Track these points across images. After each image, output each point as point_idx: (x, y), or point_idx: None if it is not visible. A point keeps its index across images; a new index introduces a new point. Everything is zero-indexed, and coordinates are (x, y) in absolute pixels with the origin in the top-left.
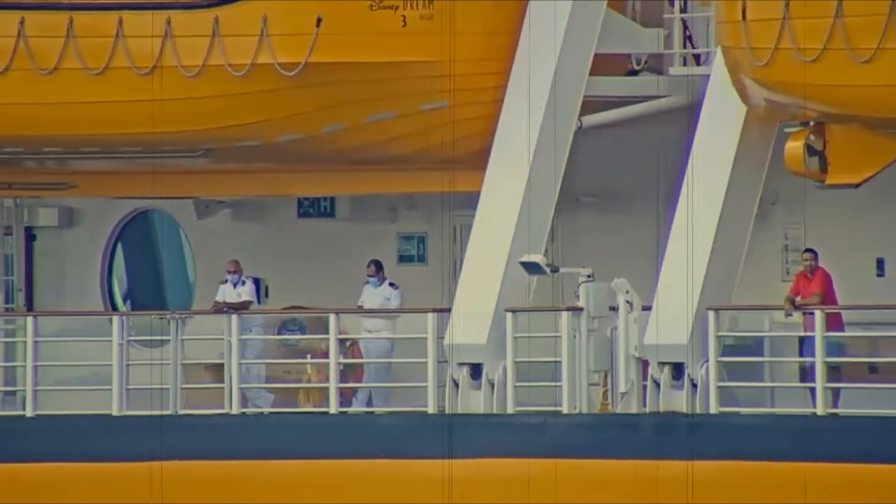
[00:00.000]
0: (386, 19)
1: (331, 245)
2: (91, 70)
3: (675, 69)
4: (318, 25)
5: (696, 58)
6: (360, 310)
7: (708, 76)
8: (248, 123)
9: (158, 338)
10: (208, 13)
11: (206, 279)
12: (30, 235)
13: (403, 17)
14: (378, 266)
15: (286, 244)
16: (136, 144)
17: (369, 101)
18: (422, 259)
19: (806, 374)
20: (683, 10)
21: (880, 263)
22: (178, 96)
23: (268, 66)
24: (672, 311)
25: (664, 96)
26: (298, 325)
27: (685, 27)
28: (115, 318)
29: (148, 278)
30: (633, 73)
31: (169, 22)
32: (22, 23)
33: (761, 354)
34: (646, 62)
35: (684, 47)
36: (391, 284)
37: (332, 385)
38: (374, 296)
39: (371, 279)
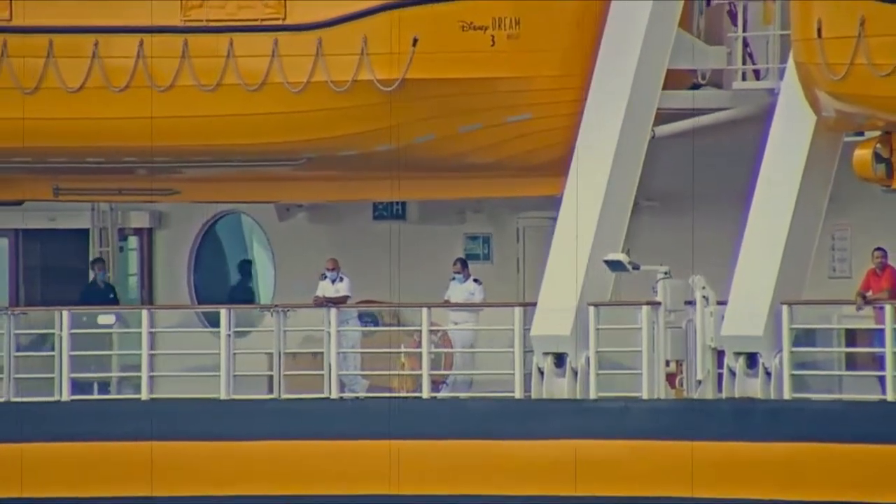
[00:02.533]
0: (476, 39)
1: (402, 245)
2: (204, 87)
3: (739, 83)
4: (414, 45)
5: (756, 73)
6: (449, 304)
7: (769, 90)
8: (348, 135)
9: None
10: (312, 34)
11: (286, 276)
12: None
13: (492, 37)
14: (464, 264)
15: (361, 244)
16: (242, 154)
17: (460, 114)
18: (487, 257)
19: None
20: (744, 29)
21: None
22: (285, 110)
23: (367, 83)
24: (747, 305)
25: (727, 108)
26: (371, 316)
27: (745, 45)
28: (224, 311)
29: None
30: (696, 86)
31: (276, 42)
32: (141, 44)
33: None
34: (706, 78)
35: (744, 63)
36: (475, 280)
37: (425, 372)
38: (460, 291)
39: (457, 276)
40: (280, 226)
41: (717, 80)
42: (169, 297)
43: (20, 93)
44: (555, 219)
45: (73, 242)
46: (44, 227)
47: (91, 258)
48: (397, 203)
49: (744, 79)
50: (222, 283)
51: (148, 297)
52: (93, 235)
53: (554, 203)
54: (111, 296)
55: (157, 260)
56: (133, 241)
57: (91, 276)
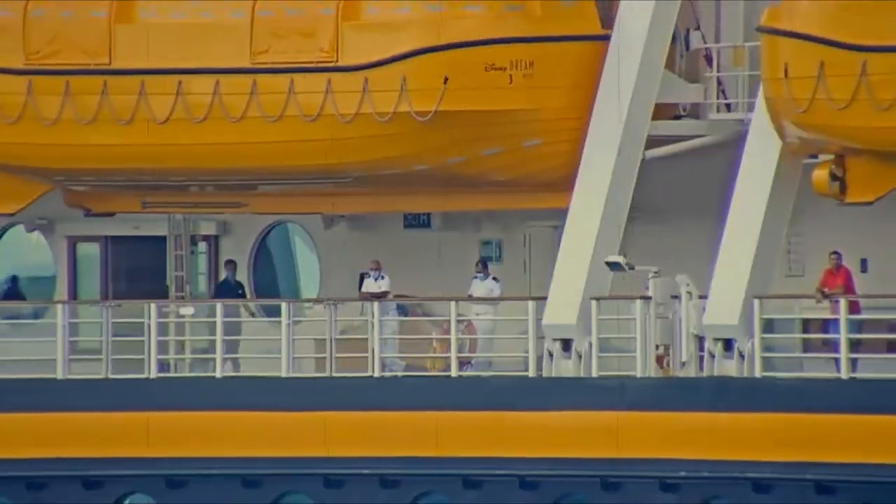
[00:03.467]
0: (497, 78)
1: (427, 249)
2: (269, 118)
3: (714, 115)
4: (445, 83)
5: (728, 106)
6: (471, 298)
7: (739, 120)
8: (390, 157)
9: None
10: (360, 74)
11: (329, 276)
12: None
13: (510, 76)
14: (485, 265)
15: (393, 249)
16: (301, 174)
17: (483, 140)
18: (498, 259)
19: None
20: (718, 69)
21: (863, 263)
22: (336, 137)
23: (406, 114)
24: (725, 299)
25: (704, 136)
26: (403, 309)
27: (719, 83)
28: (284, 304)
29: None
30: (678, 117)
31: (329, 81)
32: (217, 83)
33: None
34: (686, 110)
35: (718, 98)
36: (494, 279)
37: (454, 355)
38: (481, 287)
39: (479, 275)
40: (325, 233)
41: (695, 112)
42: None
43: (117, 124)
44: (556, 227)
45: (152, 247)
46: (129, 234)
47: (224, 259)
48: (423, 214)
49: (717, 111)
50: (274, 280)
51: (214, 293)
52: (169, 241)
53: (556, 213)
54: (239, 292)
55: (222, 262)
56: (202, 246)
57: (224, 274)
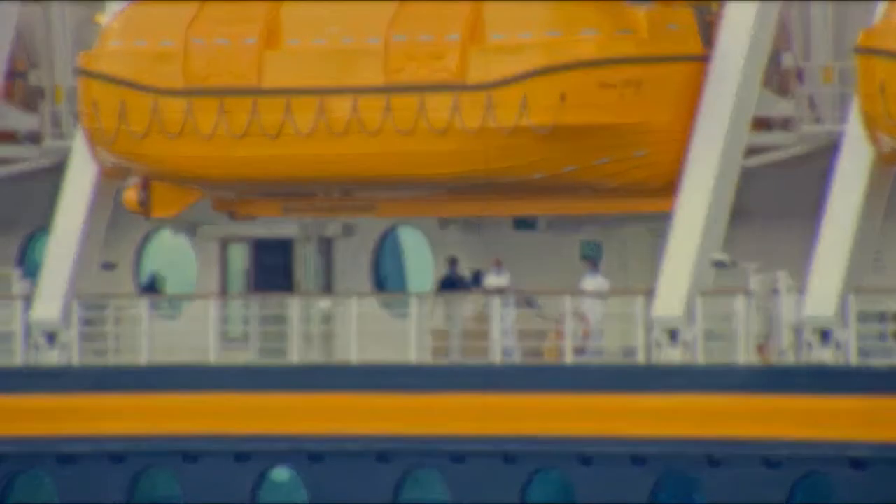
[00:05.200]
0: (608, 94)
1: (534, 248)
2: (402, 131)
3: (807, 127)
4: (562, 100)
5: (817, 119)
6: (585, 292)
7: (829, 131)
8: (512, 165)
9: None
10: (485, 91)
11: (440, 272)
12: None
13: (621, 93)
14: (595, 263)
15: (502, 248)
16: (433, 182)
17: (595, 150)
18: (599, 258)
19: None
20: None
21: None
22: (463, 149)
23: (526, 127)
24: (822, 293)
25: (797, 146)
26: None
27: (810, 98)
28: (413, 298)
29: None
30: (770, 129)
31: (457, 97)
32: (355, 100)
33: None
34: (780, 122)
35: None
36: (602, 276)
37: (569, 344)
38: (592, 283)
39: (590, 271)
40: (440, 234)
41: (786, 125)
42: (356, 288)
43: (267, 138)
44: (651, 229)
45: (282, 247)
46: (265, 236)
47: (448, 256)
48: (531, 216)
49: (807, 123)
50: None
51: (439, 287)
52: (301, 242)
53: (652, 217)
54: (466, 283)
55: (347, 260)
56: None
57: (447, 270)
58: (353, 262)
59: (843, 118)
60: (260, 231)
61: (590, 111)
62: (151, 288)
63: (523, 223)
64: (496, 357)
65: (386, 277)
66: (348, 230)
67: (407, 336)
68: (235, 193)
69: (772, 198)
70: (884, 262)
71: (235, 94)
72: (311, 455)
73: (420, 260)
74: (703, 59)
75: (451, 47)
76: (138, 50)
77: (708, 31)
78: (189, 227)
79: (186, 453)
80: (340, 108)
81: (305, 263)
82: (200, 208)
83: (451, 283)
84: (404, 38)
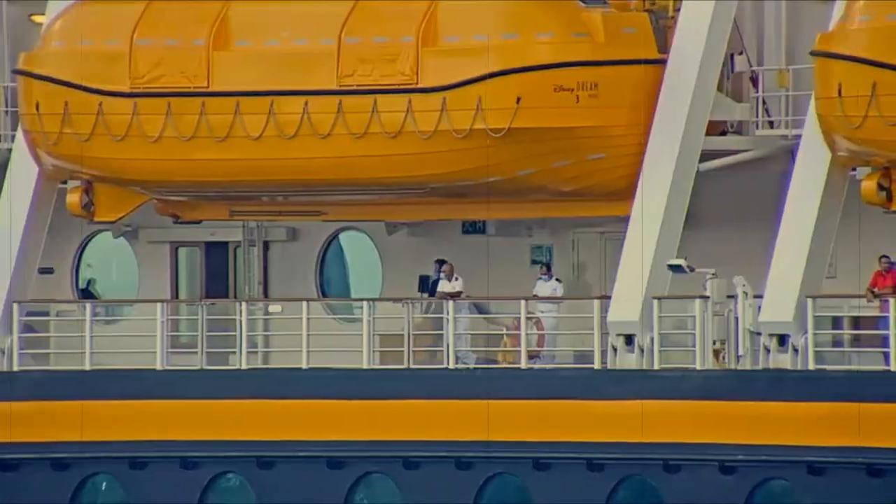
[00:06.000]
0: (565, 98)
1: (483, 253)
2: (354, 135)
3: (760, 131)
4: (517, 102)
5: (770, 123)
6: (537, 297)
7: (782, 136)
8: (466, 169)
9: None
10: (439, 95)
11: (391, 277)
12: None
13: (577, 96)
14: (548, 267)
15: (451, 253)
16: (383, 186)
17: (552, 154)
18: (549, 262)
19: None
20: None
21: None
22: (417, 152)
23: (481, 130)
24: (780, 298)
25: (751, 150)
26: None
27: (763, 102)
28: (365, 304)
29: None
30: (723, 133)
31: (410, 101)
32: (306, 104)
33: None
34: (734, 126)
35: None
36: (556, 279)
37: (524, 349)
38: (545, 288)
39: (543, 276)
40: (388, 239)
41: (739, 129)
42: (302, 292)
43: (214, 141)
44: (602, 233)
45: (222, 251)
46: (207, 240)
47: (438, 260)
48: (480, 221)
49: (758, 128)
50: (341, 281)
51: (425, 290)
52: (244, 247)
53: (603, 221)
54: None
55: (293, 265)
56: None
57: (433, 272)
58: (299, 266)
59: (796, 122)
60: (202, 235)
61: (545, 114)
62: (87, 293)
63: (472, 227)
64: (450, 363)
65: (328, 282)
66: (293, 235)
67: (357, 342)
68: (184, 198)
69: (727, 202)
70: (835, 268)
71: (183, 95)
72: (261, 462)
73: (367, 265)
74: (659, 63)
75: (404, 50)
76: (82, 51)
77: (663, 36)
78: (131, 231)
79: (133, 460)
80: (291, 110)
81: (247, 268)
82: (141, 211)
83: (437, 286)
84: (357, 40)
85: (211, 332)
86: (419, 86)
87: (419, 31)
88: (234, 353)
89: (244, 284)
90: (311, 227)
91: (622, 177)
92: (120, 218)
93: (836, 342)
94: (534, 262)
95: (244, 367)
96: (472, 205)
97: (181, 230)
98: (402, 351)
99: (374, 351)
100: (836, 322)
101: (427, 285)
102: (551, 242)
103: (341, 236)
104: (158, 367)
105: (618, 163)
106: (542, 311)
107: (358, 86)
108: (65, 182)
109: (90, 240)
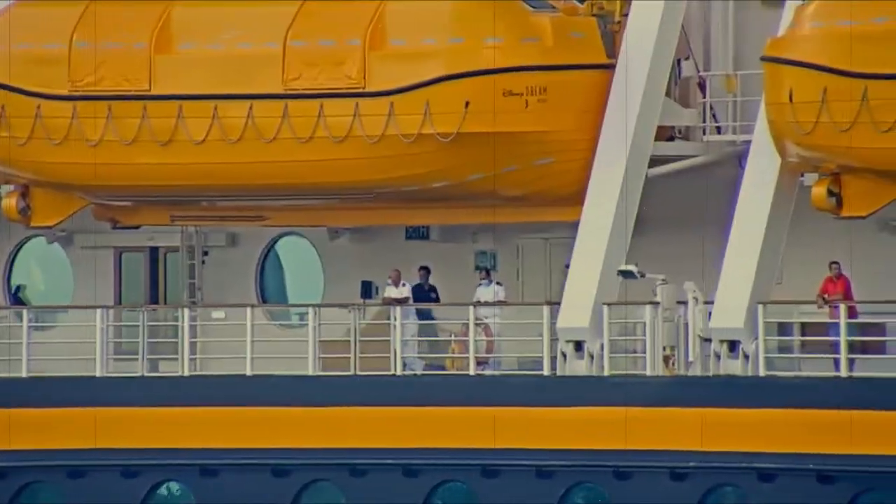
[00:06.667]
0: (514, 103)
1: (426, 259)
2: (300, 139)
3: (708, 137)
4: (466, 107)
5: (718, 129)
6: (486, 303)
7: (731, 141)
8: (414, 174)
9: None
10: (386, 99)
11: (332, 283)
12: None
13: (526, 101)
14: (488, 272)
15: (394, 259)
16: (329, 191)
17: (501, 159)
18: (493, 268)
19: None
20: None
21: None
22: (364, 156)
23: (430, 135)
24: (730, 304)
25: (698, 156)
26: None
27: (710, 108)
28: (311, 310)
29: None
30: (671, 138)
31: (357, 105)
32: (251, 107)
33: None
34: (681, 132)
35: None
36: (497, 283)
37: (472, 355)
38: (487, 292)
39: (483, 281)
40: (330, 244)
41: (686, 135)
42: (240, 298)
43: (157, 144)
44: (547, 239)
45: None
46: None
47: (418, 266)
48: (423, 226)
49: (704, 133)
50: (279, 287)
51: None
52: (182, 252)
53: (548, 226)
54: (433, 295)
55: (232, 270)
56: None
57: (419, 279)
58: (238, 272)
59: (744, 128)
60: (141, 240)
61: (494, 119)
62: (16, 300)
63: (415, 233)
64: (397, 369)
65: (266, 288)
66: (232, 240)
67: (302, 348)
68: (127, 202)
69: (676, 208)
70: (781, 274)
71: (125, 99)
72: (204, 470)
73: (309, 270)
74: (608, 68)
75: (351, 53)
76: (20, 53)
77: (611, 40)
78: (65, 236)
79: (73, 469)
80: (236, 114)
81: (185, 274)
82: (75, 216)
83: (420, 294)
84: (303, 43)
85: (152, 338)
86: (367, 90)
87: (366, 35)
88: (176, 359)
89: (182, 290)
90: (251, 233)
91: (571, 182)
92: (58, 223)
93: (787, 348)
94: (477, 267)
95: (186, 373)
96: (418, 210)
97: (120, 235)
98: (348, 357)
99: (318, 357)
100: (786, 328)
101: (370, 292)
102: (496, 248)
103: (279, 242)
104: (98, 374)
105: (567, 168)
106: (487, 317)
107: (304, 89)
108: None
109: (22, 245)
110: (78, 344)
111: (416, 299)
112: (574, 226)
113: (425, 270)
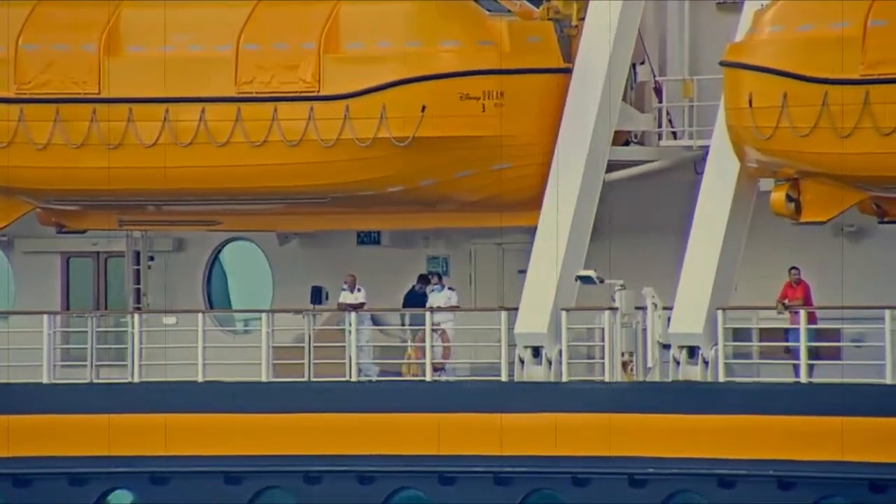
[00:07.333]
0: (470, 106)
1: (377, 264)
2: (253, 143)
3: (664, 142)
4: (422, 111)
5: (674, 134)
6: (443, 308)
7: (687, 146)
8: (368, 179)
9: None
10: (342, 102)
11: (282, 289)
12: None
13: (483, 105)
14: (440, 277)
15: (345, 264)
16: (283, 195)
17: (456, 163)
18: (445, 274)
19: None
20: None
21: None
22: (318, 160)
23: (385, 139)
24: (690, 310)
25: (654, 160)
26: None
27: (667, 112)
28: (264, 315)
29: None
30: (626, 143)
31: (312, 109)
32: (203, 111)
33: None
34: (638, 137)
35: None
36: (450, 288)
37: (429, 361)
38: (440, 298)
39: (436, 287)
40: (279, 249)
41: (642, 139)
42: (187, 303)
43: (106, 148)
44: (499, 244)
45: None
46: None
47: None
48: (375, 231)
49: (660, 138)
50: (225, 293)
51: (403, 302)
52: (128, 257)
53: (499, 232)
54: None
55: (178, 276)
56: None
57: (414, 286)
58: (185, 277)
59: (700, 133)
60: (83, 246)
61: (451, 123)
62: None
63: (367, 238)
64: (352, 375)
65: (213, 293)
66: (180, 245)
67: (253, 354)
68: (75, 207)
69: (634, 213)
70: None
71: (73, 102)
72: (155, 478)
73: (258, 275)
74: (565, 72)
75: (305, 56)
76: None
77: (567, 45)
78: (6, 241)
79: (19, 477)
80: (187, 117)
81: (131, 280)
82: (18, 221)
83: (414, 300)
84: (256, 46)
85: (100, 344)
86: (321, 93)
87: (321, 38)
88: (126, 365)
89: (127, 296)
90: (198, 238)
91: (529, 187)
92: (3, 227)
93: (746, 354)
94: (430, 272)
95: (136, 380)
96: (371, 215)
97: (65, 241)
98: (301, 363)
99: (271, 363)
100: (745, 333)
101: (320, 297)
102: (448, 253)
103: (226, 247)
104: (45, 380)
105: (524, 172)
106: (438, 322)
107: (257, 93)
108: None
109: None
110: (25, 350)
111: (408, 304)
112: (528, 230)
113: (423, 279)
